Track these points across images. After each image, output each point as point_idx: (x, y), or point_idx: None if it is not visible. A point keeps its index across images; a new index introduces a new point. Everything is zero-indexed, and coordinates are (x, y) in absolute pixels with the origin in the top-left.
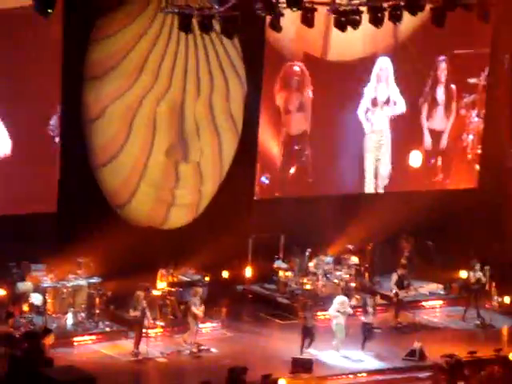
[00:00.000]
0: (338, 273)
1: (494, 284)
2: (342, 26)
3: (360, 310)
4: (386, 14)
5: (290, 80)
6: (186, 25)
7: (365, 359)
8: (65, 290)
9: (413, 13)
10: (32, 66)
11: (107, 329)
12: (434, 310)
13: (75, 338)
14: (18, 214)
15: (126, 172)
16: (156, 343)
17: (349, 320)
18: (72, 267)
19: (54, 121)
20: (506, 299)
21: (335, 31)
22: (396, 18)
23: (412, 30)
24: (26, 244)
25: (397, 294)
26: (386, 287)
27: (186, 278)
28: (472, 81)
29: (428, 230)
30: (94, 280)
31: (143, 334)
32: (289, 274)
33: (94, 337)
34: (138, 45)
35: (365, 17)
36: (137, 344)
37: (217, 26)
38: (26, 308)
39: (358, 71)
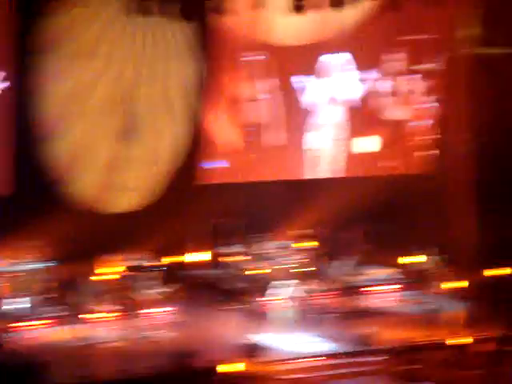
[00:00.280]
0: (294, 257)
1: (449, 269)
2: (298, 10)
3: (313, 294)
4: None
5: (250, 66)
6: (144, 8)
7: (318, 343)
8: (20, 274)
9: None
10: None
11: (61, 313)
12: (388, 294)
13: (29, 323)
14: None
15: (92, 170)
16: (108, 327)
17: (302, 304)
18: (28, 251)
19: None
20: (463, 284)
21: (290, 16)
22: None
23: (367, 14)
24: None
25: (350, 279)
26: (342, 272)
27: (141, 263)
28: (428, 67)
29: (382, 214)
30: (50, 264)
31: (95, 319)
32: (245, 258)
33: (47, 321)
34: (89, 31)
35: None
36: (91, 328)
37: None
38: None
39: (310, 58)
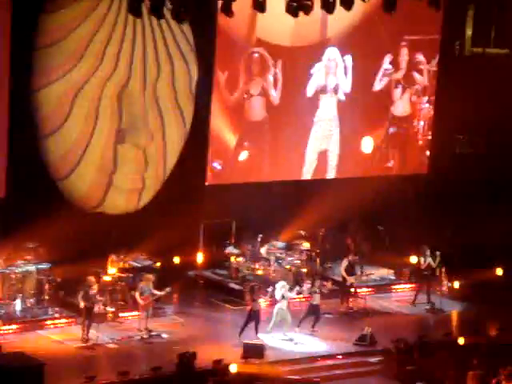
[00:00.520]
0: (289, 258)
1: (443, 269)
2: (293, 12)
3: (310, 295)
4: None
5: (250, 65)
6: (136, 7)
7: (315, 344)
8: (13, 276)
9: None
10: None
11: (56, 315)
12: (385, 295)
13: (24, 325)
14: None
15: (92, 173)
16: (106, 329)
17: (298, 305)
18: (21, 253)
19: None
20: (456, 284)
21: (287, 16)
22: (347, 4)
23: (363, 16)
24: None
25: (346, 280)
26: (338, 273)
27: (136, 264)
28: (423, 67)
29: (379, 215)
30: (44, 266)
31: (93, 320)
32: (240, 259)
33: (42, 323)
34: (84, 26)
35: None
36: (86, 330)
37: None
38: None
39: (312, 57)
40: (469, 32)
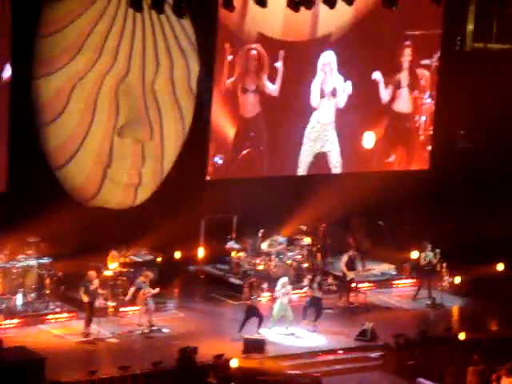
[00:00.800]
0: (290, 253)
1: (444, 265)
2: (294, 6)
3: (311, 290)
4: None
5: (246, 61)
6: (137, 2)
7: (316, 338)
8: (14, 271)
9: None
10: None
11: (57, 309)
12: (386, 290)
13: (25, 319)
14: None
15: (89, 164)
16: (107, 323)
17: (300, 300)
18: (22, 247)
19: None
20: (457, 279)
21: (289, 11)
22: None
23: (364, 11)
24: None
25: (346, 275)
26: (338, 268)
27: (137, 259)
28: (425, 62)
29: (380, 210)
30: (45, 260)
31: (94, 315)
32: (241, 254)
33: (44, 317)
34: (94, 29)
35: None
36: (87, 324)
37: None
38: None
39: (312, 54)
40: (470, 27)
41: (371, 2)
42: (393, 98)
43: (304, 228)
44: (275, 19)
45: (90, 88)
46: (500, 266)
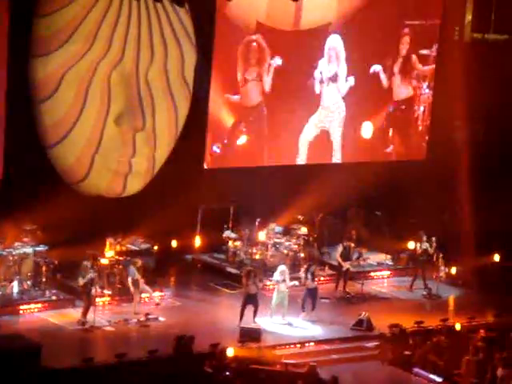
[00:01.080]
0: (286, 243)
1: (441, 255)
2: None
3: (308, 279)
4: None
5: (248, 54)
6: None
7: (312, 328)
8: (11, 258)
9: None
10: None
11: (54, 297)
12: (382, 280)
13: (21, 307)
14: None
15: (80, 147)
16: (103, 312)
17: (296, 289)
18: (18, 235)
19: None
20: (453, 270)
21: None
22: None
23: (365, 0)
24: None
25: (340, 266)
26: (334, 258)
27: (134, 247)
28: (424, 52)
29: (377, 200)
30: (41, 248)
31: (91, 303)
32: (238, 243)
33: (40, 305)
34: (90, 14)
35: None
36: (84, 313)
37: None
38: None
39: (313, 42)
40: (469, 17)
41: None
42: (391, 87)
43: (301, 218)
44: (274, 8)
45: (84, 74)
46: (496, 257)
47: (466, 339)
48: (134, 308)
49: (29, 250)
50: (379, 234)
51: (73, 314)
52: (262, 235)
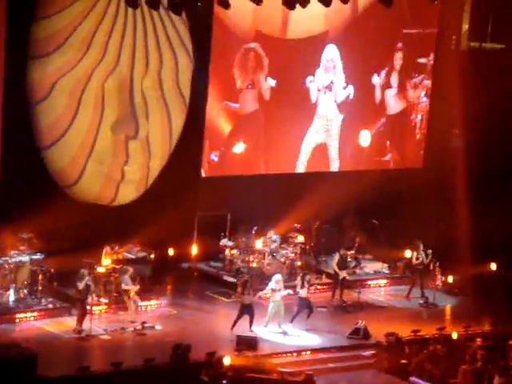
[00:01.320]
0: (283, 251)
1: (437, 263)
2: (290, 4)
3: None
4: None
5: (245, 62)
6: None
7: (308, 337)
8: (7, 266)
9: None
10: None
11: (50, 305)
12: (379, 288)
13: (17, 315)
14: None
15: (73, 151)
16: (100, 320)
17: (293, 298)
18: (14, 243)
19: None
20: (450, 278)
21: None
22: None
23: (362, 9)
24: None
25: (337, 274)
26: (331, 266)
27: (130, 256)
28: (421, 61)
29: (374, 209)
30: (37, 256)
31: (87, 311)
32: (235, 252)
33: (36, 313)
34: (85, 21)
35: None
36: (80, 321)
37: (164, 1)
38: None
39: (309, 51)
40: (466, 26)
41: (368, 1)
42: (385, 98)
43: (297, 226)
44: (272, 17)
45: (78, 79)
46: (493, 265)
47: (462, 348)
48: (130, 316)
49: (25, 258)
50: (376, 242)
51: (69, 322)
52: (258, 243)
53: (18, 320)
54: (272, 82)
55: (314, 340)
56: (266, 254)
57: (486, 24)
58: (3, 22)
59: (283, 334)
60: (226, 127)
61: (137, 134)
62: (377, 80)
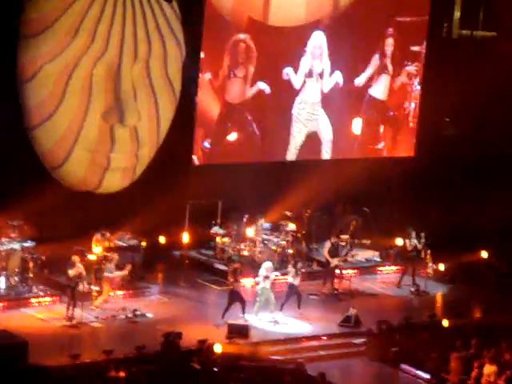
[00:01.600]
0: (275, 239)
1: (429, 251)
2: None
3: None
4: None
5: (236, 54)
6: None
7: (299, 324)
8: None
9: None
10: None
11: (41, 293)
12: (370, 276)
13: (7, 303)
14: None
15: (60, 133)
16: (90, 308)
17: (284, 286)
18: (5, 230)
19: None
20: (441, 266)
21: None
22: None
23: None
24: None
25: (329, 262)
26: (323, 254)
27: (121, 243)
28: (415, 49)
29: (365, 197)
30: (28, 244)
31: (77, 299)
32: (226, 239)
33: (27, 301)
34: (74, 5)
35: None
36: (69, 308)
37: None
38: None
39: (299, 39)
40: (457, 14)
41: None
42: (370, 83)
43: (289, 214)
44: (264, 4)
45: (64, 66)
46: (484, 254)
47: (453, 335)
48: (98, 302)
49: (16, 245)
50: (367, 230)
51: (60, 309)
52: (250, 231)
53: (8, 307)
54: (263, 86)
55: (306, 328)
56: (258, 242)
57: (477, 12)
58: None
59: (274, 322)
60: (216, 115)
61: (125, 121)
62: (367, 67)
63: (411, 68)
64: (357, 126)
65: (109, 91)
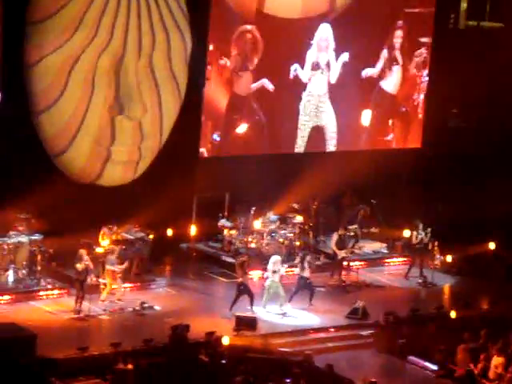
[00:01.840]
0: (282, 231)
1: (436, 243)
2: None
3: (303, 268)
4: None
5: (242, 44)
6: None
7: (307, 317)
8: (5, 247)
9: None
10: None
11: (49, 286)
12: (378, 268)
13: (16, 296)
14: None
15: (63, 122)
16: (98, 300)
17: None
18: (13, 223)
19: None
20: (448, 258)
21: None
22: None
23: None
24: None
25: (336, 254)
26: (330, 246)
27: (129, 236)
28: (424, 40)
29: (372, 189)
30: (36, 237)
31: (85, 292)
32: (233, 232)
33: (35, 294)
34: None
35: None
36: (77, 301)
37: None
38: None
39: (305, 31)
40: (464, 5)
41: None
42: (383, 76)
43: (296, 206)
44: None
45: (68, 57)
46: (491, 245)
47: (460, 327)
48: (103, 296)
49: (24, 238)
50: (374, 222)
51: (68, 302)
52: (257, 224)
53: (17, 300)
54: (269, 85)
55: (313, 320)
56: (265, 235)
57: (484, 3)
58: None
59: (282, 314)
60: (224, 107)
61: (129, 114)
62: (378, 60)
63: (419, 59)
64: (366, 117)
65: (113, 83)
